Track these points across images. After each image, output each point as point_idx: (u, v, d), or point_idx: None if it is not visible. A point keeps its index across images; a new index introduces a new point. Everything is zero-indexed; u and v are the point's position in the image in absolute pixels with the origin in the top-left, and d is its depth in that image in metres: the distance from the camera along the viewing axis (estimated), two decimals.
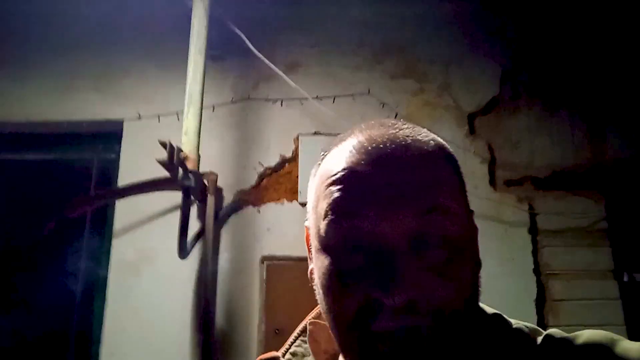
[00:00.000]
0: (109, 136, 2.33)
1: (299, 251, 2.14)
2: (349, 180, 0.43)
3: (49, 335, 2.12)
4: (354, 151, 0.44)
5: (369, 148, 0.43)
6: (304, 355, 0.57)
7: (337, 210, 0.43)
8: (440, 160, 0.45)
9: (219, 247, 2.12)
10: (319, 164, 0.50)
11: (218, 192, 2.14)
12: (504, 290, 1.91)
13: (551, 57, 2.28)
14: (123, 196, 1.86)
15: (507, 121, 2.24)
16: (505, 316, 0.53)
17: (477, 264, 0.48)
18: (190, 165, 1.72)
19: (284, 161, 2.28)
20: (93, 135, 2.35)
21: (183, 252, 1.81)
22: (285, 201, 2.22)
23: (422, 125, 2.02)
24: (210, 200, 2.03)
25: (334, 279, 0.43)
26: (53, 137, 2.33)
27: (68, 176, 2.32)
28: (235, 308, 2.08)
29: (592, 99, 2.18)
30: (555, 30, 2.30)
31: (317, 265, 0.47)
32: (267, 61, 2.21)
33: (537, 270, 1.97)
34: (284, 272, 2.14)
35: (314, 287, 0.50)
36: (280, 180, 2.26)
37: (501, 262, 2.01)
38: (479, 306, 0.52)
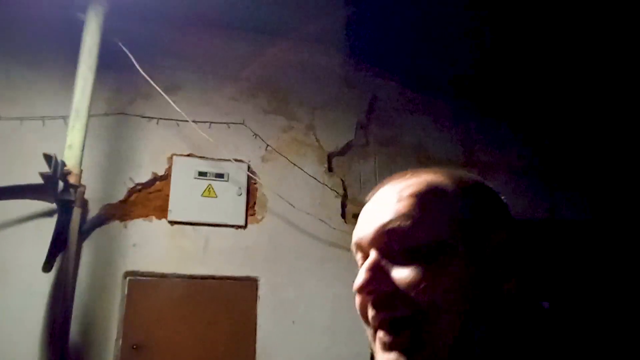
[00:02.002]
0: None
1: (164, 268, 2.22)
2: (361, 215, 0.59)
3: None
4: (371, 195, 0.59)
5: (376, 193, 0.58)
6: None
7: (353, 235, 0.59)
8: (420, 197, 0.55)
9: (80, 260, 2.10)
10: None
11: (84, 204, 2.12)
12: (353, 309, 2.22)
13: (395, 114, 2.76)
14: None
15: (358, 163, 2.64)
16: None
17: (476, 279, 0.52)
18: (72, 179, 1.72)
19: (155, 179, 2.35)
20: None
21: (49, 265, 1.77)
22: (154, 218, 2.28)
23: (289, 158, 2.32)
24: (77, 212, 2.01)
25: (355, 289, 0.56)
26: None
27: None
28: (93, 323, 2.07)
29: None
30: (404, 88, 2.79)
31: None
32: (147, 78, 2.26)
33: None
34: (147, 288, 2.19)
35: None
36: (151, 197, 2.32)
37: (348, 285, 2.33)
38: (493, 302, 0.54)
